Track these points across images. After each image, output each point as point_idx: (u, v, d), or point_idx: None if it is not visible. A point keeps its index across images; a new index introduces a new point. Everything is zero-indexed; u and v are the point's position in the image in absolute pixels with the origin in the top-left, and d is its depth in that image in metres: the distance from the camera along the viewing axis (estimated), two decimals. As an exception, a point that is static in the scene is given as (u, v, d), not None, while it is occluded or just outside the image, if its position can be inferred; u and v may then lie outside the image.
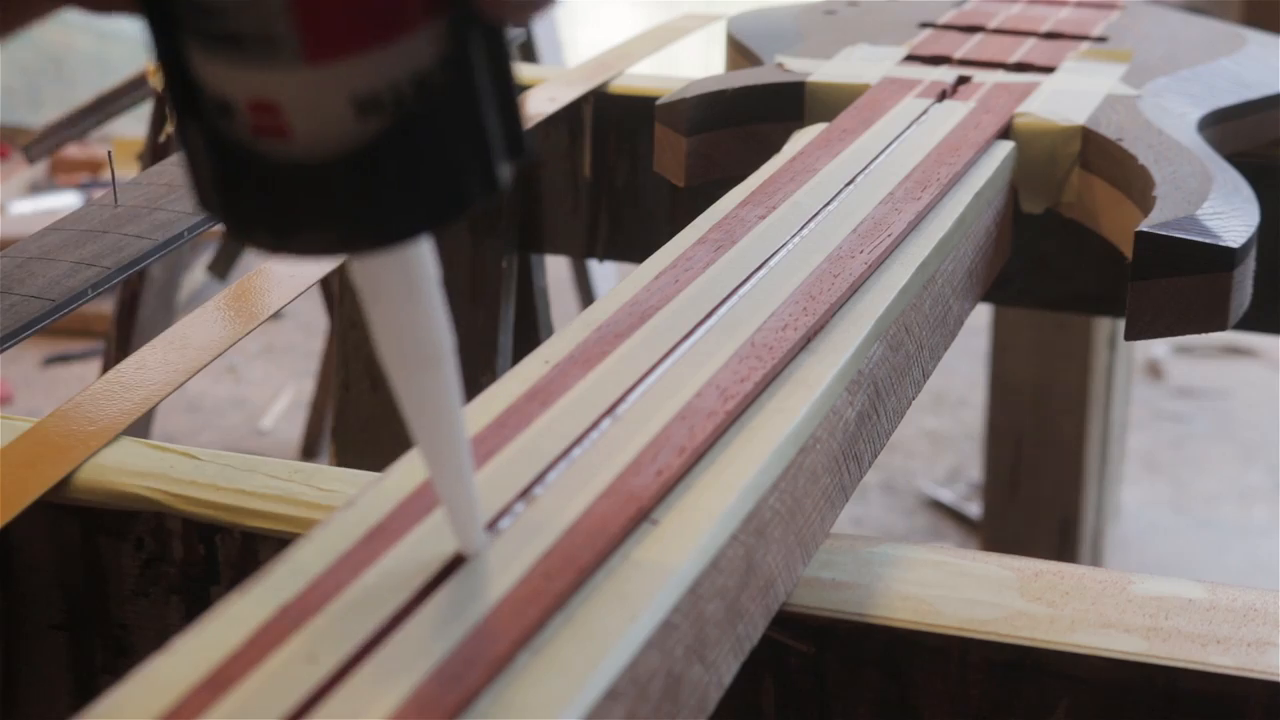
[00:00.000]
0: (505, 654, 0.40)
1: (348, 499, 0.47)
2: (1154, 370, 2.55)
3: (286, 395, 2.46)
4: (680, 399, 0.52)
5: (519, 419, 0.51)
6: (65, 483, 0.57)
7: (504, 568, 0.43)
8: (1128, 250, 0.72)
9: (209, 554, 0.56)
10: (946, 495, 2.21)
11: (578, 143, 1.04)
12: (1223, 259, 0.70)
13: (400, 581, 0.42)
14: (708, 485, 0.48)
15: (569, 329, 0.57)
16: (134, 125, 2.22)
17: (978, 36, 0.93)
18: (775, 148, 0.80)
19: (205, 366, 0.66)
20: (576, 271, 2.01)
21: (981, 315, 1.95)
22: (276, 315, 0.73)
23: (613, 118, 1.02)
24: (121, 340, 1.64)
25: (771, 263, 0.62)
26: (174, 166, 0.81)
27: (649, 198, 1.03)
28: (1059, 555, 1.83)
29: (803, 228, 0.66)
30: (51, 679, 0.59)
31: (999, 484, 1.91)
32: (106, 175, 1.66)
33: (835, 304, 0.59)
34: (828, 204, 0.68)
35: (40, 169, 2.97)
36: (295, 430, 2.34)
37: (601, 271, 2.01)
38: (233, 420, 2.40)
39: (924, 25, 0.99)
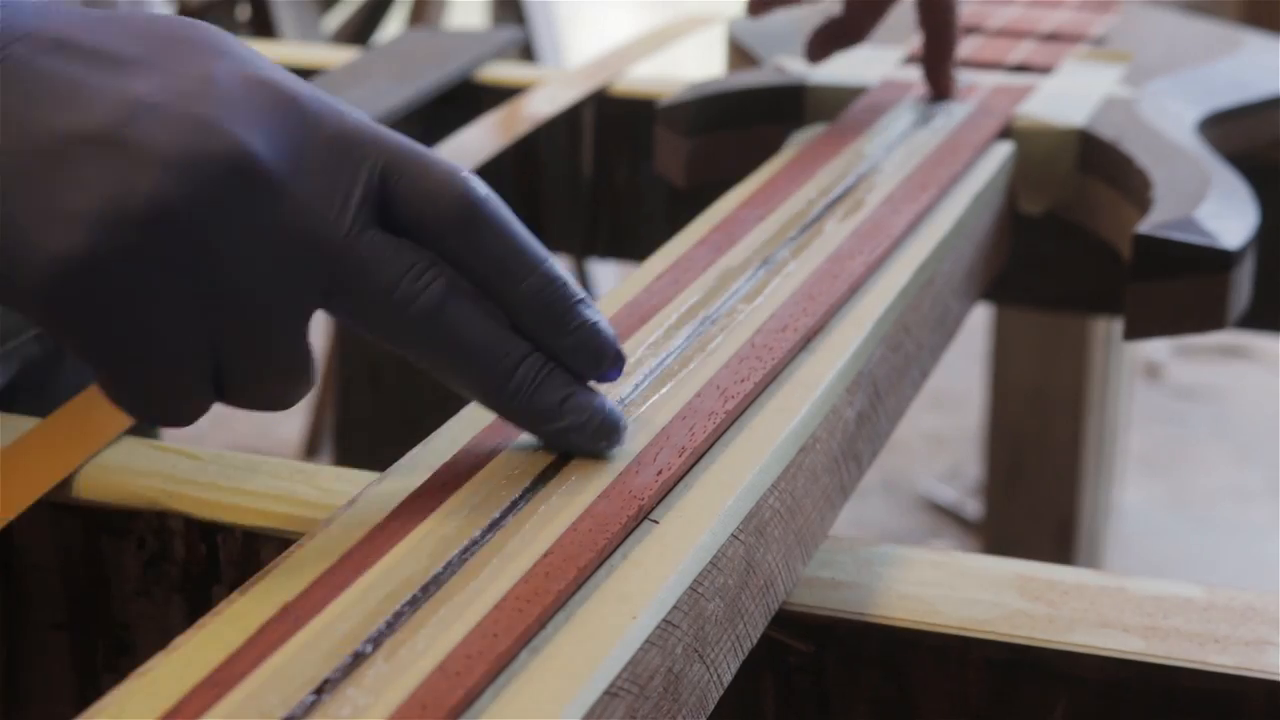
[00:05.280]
0: (506, 652, 0.40)
1: (348, 499, 0.47)
2: (1153, 371, 2.55)
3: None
4: (680, 399, 0.52)
5: (520, 419, 0.51)
6: (67, 482, 0.57)
7: (505, 566, 0.43)
8: (1126, 251, 0.72)
9: (210, 553, 0.56)
10: (945, 495, 2.21)
11: (578, 143, 1.04)
12: (1220, 260, 0.70)
13: (401, 580, 0.42)
14: (708, 485, 0.48)
15: (569, 329, 0.57)
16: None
17: (976, 38, 0.93)
18: (775, 149, 0.80)
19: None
20: (577, 271, 2.01)
21: (981, 315, 1.95)
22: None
23: (613, 119, 1.03)
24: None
25: (771, 264, 0.62)
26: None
27: (649, 198, 1.04)
28: (1057, 555, 1.83)
29: (802, 230, 0.66)
30: (53, 678, 0.60)
31: (998, 484, 1.92)
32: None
33: (835, 305, 0.59)
34: (827, 206, 0.69)
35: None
36: (296, 430, 2.35)
37: (602, 271, 2.01)
38: (234, 420, 2.40)
39: (923, 26, 0.99)
